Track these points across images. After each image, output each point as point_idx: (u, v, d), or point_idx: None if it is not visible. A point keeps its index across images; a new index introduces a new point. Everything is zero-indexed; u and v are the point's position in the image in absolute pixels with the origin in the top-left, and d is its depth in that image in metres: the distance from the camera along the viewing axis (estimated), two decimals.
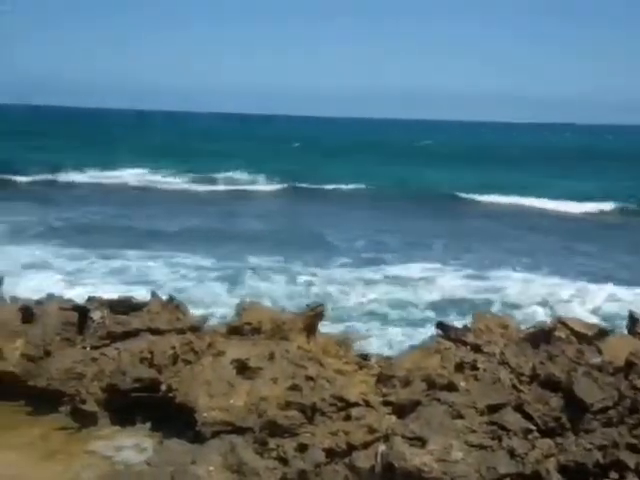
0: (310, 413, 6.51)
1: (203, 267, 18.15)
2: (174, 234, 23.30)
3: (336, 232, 24.09)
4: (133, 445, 6.60)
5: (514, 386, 6.39)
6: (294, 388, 6.74)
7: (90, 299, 8.31)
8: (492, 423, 6.06)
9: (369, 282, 16.92)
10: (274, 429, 6.36)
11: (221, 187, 39.95)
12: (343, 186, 39.12)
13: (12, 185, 36.75)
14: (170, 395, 6.92)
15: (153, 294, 8.48)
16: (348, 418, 6.39)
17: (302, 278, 17.10)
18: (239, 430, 6.42)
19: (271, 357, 7.26)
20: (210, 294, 15.39)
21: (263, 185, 40.85)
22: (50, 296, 8.48)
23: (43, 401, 7.24)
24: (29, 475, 5.95)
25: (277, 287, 16.25)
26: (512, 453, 5.77)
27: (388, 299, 15.34)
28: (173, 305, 8.19)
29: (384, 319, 13.97)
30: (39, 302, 8.22)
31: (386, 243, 22.74)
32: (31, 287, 13.40)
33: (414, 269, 18.51)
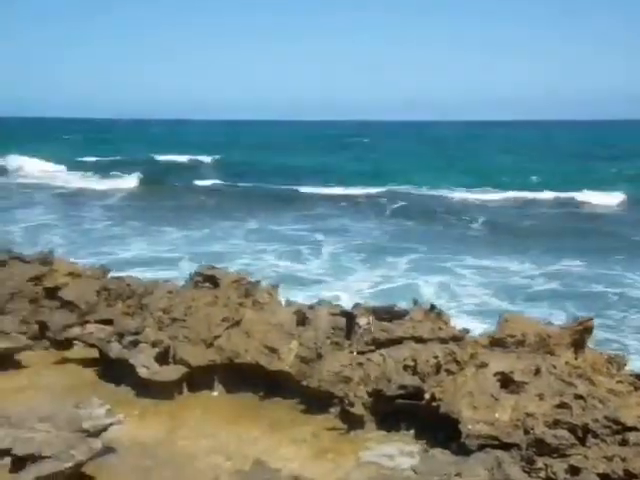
0: (581, 434, 6.16)
1: None
2: None
3: None
4: (398, 451, 6.75)
5: None
6: (563, 406, 6.43)
7: (356, 305, 8.67)
8: None
9: None
10: (542, 447, 6.12)
11: None
12: None
13: None
14: (434, 404, 6.98)
15: (415, 302, 8.61)
16: (625, 443, 5.94)
17: None
18: (504, 445, 6.29)
19: (537, 372, 7.01)
20: None
21: None
22: (321, 301, 9.02)
23: (315, 401, 7.69)
24: (304, 470, 6.36)
25: None
26: None
27: None
28: (435, 314, 8.25)
29: None
30: (311, 307, 8.77)
31: None
32: None
33: None
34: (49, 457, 5.81)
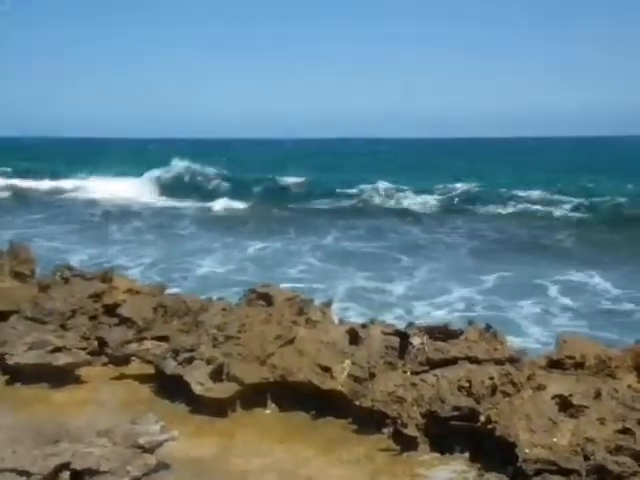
0: None
1: None
2: None
3: None
4: (454, 474, 6.63)
5: None
6: (625, 432, 6.24)
7: (410, 325, 8.60)
8: None
9: None
10: (603, 474, 5.94)
11: None
12: None
13: None
14: (489, 427, 6.85)
15: (470, 322, 8.50)
16: None
17: None
18: (563, 471, 6.12)
19: (597, 395, 6.83)
20: None
21: None
22: (374, 320, 8.98)
23: (367, 421, 7.63)
24: None
25: None
26: None
27: None
28: (490, 334, 8.11)
29: None
30: (364, 325, 8.75)
31: None
32: None
33: None
34: (106, 472, 5.91)
